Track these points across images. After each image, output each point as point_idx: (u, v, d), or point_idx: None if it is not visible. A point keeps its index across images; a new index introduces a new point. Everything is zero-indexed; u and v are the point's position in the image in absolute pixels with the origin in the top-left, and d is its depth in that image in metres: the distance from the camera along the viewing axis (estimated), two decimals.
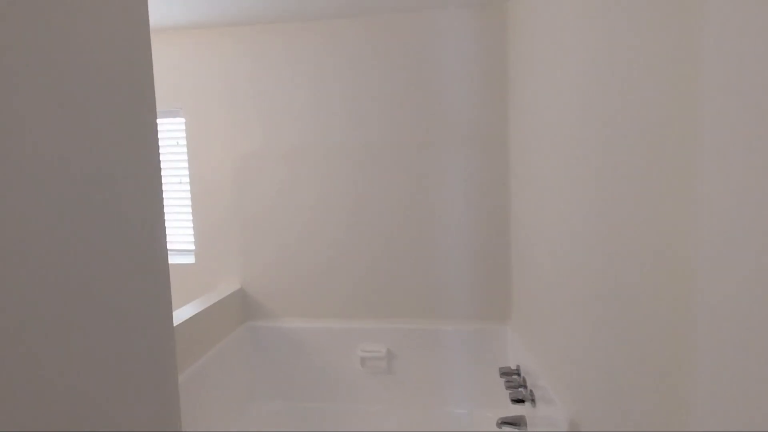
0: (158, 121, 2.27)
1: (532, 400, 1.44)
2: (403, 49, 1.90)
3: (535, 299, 1.54)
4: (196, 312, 1.77)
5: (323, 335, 1.99)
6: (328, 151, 1.97)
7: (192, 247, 2.15)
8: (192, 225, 2.12)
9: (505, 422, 1.45)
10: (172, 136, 2.12)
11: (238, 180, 2.05)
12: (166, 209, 2.25)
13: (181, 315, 1.75)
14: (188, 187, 2.11)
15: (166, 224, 2.46)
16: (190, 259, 2.14)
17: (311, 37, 1.94)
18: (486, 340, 1.84)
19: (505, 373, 1.60)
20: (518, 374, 1.60)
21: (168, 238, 2.36)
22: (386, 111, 1.93)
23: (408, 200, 1.94)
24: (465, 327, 1.87)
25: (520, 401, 1.45)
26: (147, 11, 0.67)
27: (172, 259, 2.16)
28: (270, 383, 2.05)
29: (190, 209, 2.12)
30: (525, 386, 1.52)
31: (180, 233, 2.17)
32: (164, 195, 2.17)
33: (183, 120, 2.08)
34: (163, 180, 2.31)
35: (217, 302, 1.90)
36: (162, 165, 2.10)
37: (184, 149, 2.10)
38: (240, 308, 2.08)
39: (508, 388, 1.51)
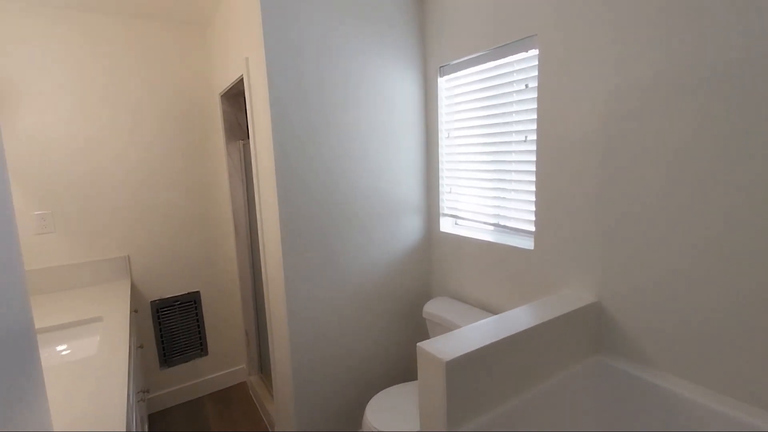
0: (501, 61, 1.79)
1: None
2: None
3: None
4: (533, 325, 1.22)
5: None
6: None
7: (531, 228, 1.59)
8: (534, 199, 1.55)
9: None
10: (519, 78, 1.58)
11: (607, 136, 1.26)
12: (502, 176, 1.78)
13: (511, 322, 1.26)
14: (534, 147, 1.54)
15: (502, 195, 1.70)
16: (527, 243, 1.60)
17: None
18: None
19: None
20: None
21: (503, 213, 1.93)
22: None
23: None
24: None
25: None
26: None
27: (508, 240, 1.69)
28: None
29: (533, 177, 1.56)
30: None
31: (520, 208, 1.65)
32: (502, 157, 1.63)
33: (536, 52, 1.49)
34: (505, 138, 1.86)
35: (562, 317, 1.27)
36: (505, 117, 1.56)
37: (535, 94, 1.52)
38: (591, 332, 1.36)
39: None
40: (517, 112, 1.61)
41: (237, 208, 2.42)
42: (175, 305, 2.40)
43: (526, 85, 1.56)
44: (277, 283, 1.76)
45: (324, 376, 1.82)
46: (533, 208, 1.57)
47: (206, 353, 2.54)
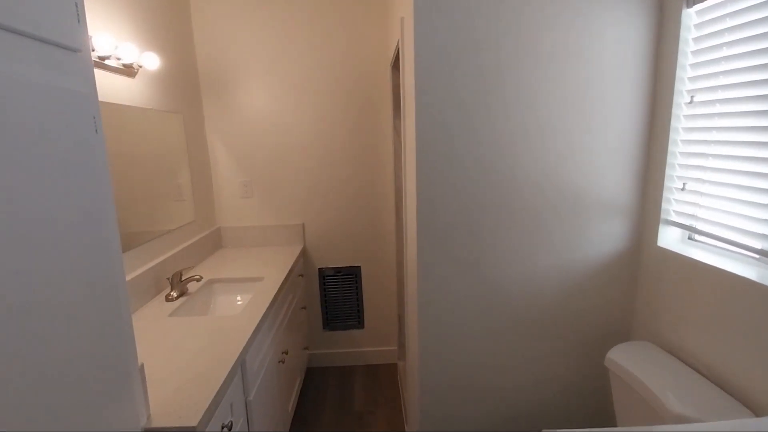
0: None
1: None
2: None
3: None
4: None
5: None
6: None
7: None
8: None
9: None
10: None
11: None
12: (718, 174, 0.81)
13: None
14: None
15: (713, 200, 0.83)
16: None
17: None
18: None
19: None
20: None
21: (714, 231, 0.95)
22: None
23: None
24: None
25: None
26: None
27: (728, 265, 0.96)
28: None
29: None
30: None
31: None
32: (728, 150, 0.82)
33: None
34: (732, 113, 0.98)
35: None
36: (735, 80, 0.79)
37: None
38: None
39: None
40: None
41: (399, 188, 2.29)
42: (338, 276, 2.50)
43: None
44: (411, 281, 1.53)
45: (456, 400, 1.52)
46: None
47: (362, 326, 2.58)
